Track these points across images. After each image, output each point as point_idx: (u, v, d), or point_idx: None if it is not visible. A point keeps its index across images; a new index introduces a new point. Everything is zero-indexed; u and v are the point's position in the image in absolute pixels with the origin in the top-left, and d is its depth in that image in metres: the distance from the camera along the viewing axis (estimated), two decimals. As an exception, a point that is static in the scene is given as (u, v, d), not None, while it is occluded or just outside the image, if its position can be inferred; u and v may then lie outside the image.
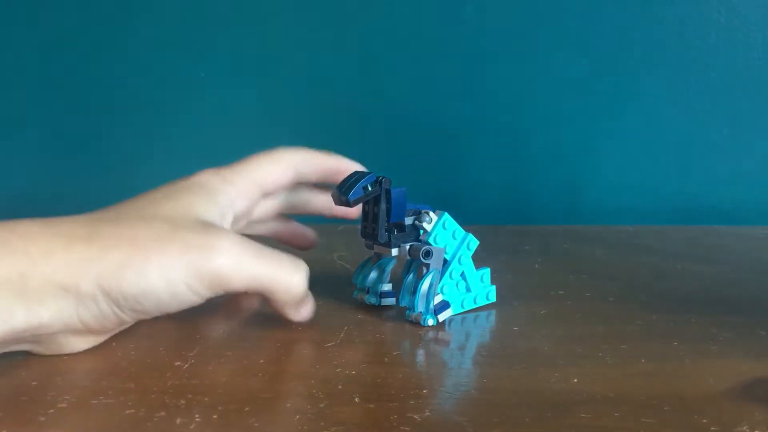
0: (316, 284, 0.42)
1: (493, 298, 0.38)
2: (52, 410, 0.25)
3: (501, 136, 0.66)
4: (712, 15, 0.62)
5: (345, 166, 0.38)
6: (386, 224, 0.35)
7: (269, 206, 0.39)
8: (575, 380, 0.28)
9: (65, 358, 0.31)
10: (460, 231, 0.36)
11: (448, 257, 0.36)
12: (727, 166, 0.65)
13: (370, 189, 0.34)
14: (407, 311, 0.35)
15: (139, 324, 0.35)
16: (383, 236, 0.35)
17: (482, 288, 0.37)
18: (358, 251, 0.47)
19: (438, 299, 0.35)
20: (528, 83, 0.65)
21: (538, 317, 0.36)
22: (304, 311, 0.33)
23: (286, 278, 0.31)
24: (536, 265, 0.46)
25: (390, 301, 0.37)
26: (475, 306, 0.37)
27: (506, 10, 0.63)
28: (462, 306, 0.36)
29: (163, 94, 0.66)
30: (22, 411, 0.25)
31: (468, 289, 0.37)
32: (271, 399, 0.26)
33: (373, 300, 0.37)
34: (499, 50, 0.64)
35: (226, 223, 0.33)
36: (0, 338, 0.26)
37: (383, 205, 0.35)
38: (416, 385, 0.27)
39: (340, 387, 0.27)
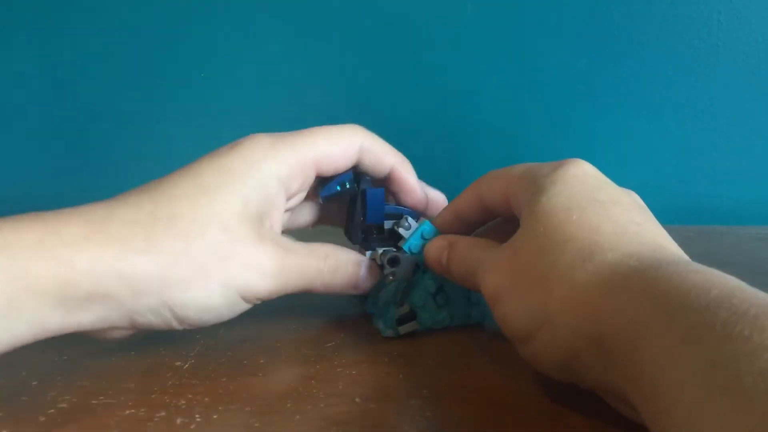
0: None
1: (478, 318, 0.34)
2: (52, 410, 0.25)
3: (500, 135, 0.66)
4: (712, 15, 0.62)
5: (408, 176, 0.34)
6: (362, 225, 0.34)
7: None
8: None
9: (65, 357, 0.31)
10: None
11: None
12: (727, 166, 0.65)
13: (347, 187, 0.33)
14: (369, 307, 0.34)
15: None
16: (357, 237, 0.34)
17: (466, 305, 0.34)
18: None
19: (404, 310, 0.32)
20: (528, 83, 0.65)
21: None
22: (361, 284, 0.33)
23: (338, 290, 0.32)
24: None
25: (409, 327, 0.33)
26: (450, 324, 0.34)
27: (506, 10, 0.63)
28: (435, 321, 0.33)
29: (163, 93, 0.66)
30: (22, 411, 0.25)
31: (446, 303, 0.33)
32: (271, 399, 0.26)
33: (389, 333, 0.33)
34: (498, 50, 0.64)
35: (278, 213, 0.31)
36: (30, 339, 0.25)
37: (359, 206, 0.33)
38: (416, 385, 0.27)
39: (340, 387, 0.27)
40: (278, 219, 0.31)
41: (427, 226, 0.33)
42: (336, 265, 0.31)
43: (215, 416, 0.25)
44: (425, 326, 0.33)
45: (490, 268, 0.27)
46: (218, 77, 0.66)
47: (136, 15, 0.65)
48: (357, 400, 0.26)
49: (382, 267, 0.33)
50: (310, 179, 0.32)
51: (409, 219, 0.34)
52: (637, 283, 0.21)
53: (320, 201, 0.33)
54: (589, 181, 0.27)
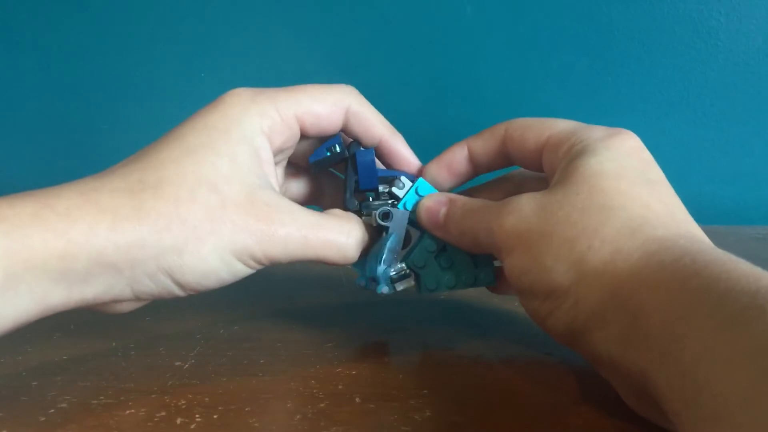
0: (315, 284, 0.42)
1: (485, 282, 0.32)
2: (52, 410, 0.25)
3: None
4: (712, 15, 0.62)
5: (398, 147, 0.33)
6: (356, 191, 0.32)
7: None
8: (576, 380, 0.28)
9: (65, 357, 0.31)
10: None
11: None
12: (727, 166, 0.65)
13: (337, 151, 0.32)
14: (358, 277, 0.32)
15: (139, 324, 0.35)
16: (351, 203, 0.33)
17: (471, 267, 0.32)
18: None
19: (400, 268, 0.31)
20: (528, 83, 0.65)
21: (538, 317, 0.36)
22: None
23: (338, 250, 0.29)
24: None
25: (405, 284, 0.32)
26: (456, 287, 0.32)
27: (506, 10, 0.63)
28: (439, 283, 0.32)
29: (163, 93, 0.66)
30: (22, 411, 0.25)
31: (451, 265, 0.32)
32: (271, 399, 0.26)
33: (385, 289, 0.31)
34: (498, 50, 0.64)
35: (269, 171, 0.30)
36: (36, 314, 0.24)
37: (350, 171, 0.32)
38: (416, 385, 0.27)
39: (340, 387, 0.27)
40: (270, 172, 0.30)
41: (422, 183, 0.32)
42: (326, 236, 0.29)
43: (215, 416, 0.25)
44: (429, 288, 0.32)
45: (511, 212, 0.26)
46: (219, 76, 0.66)
47: (136, 15, 0.65)
48: (357, 400, 0.26)
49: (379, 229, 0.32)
50: (295, 136, 0.31)
51: (403, 178, 0.32)
52: (688, 263, 0.21)
53: (311, 170, 0.32)
54: (643, 156, 0.27)
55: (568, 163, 0.26)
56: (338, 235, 0.29)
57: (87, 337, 0.33)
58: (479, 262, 0.32)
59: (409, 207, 0.32)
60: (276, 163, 0.32)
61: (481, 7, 0.64)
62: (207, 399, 0.26)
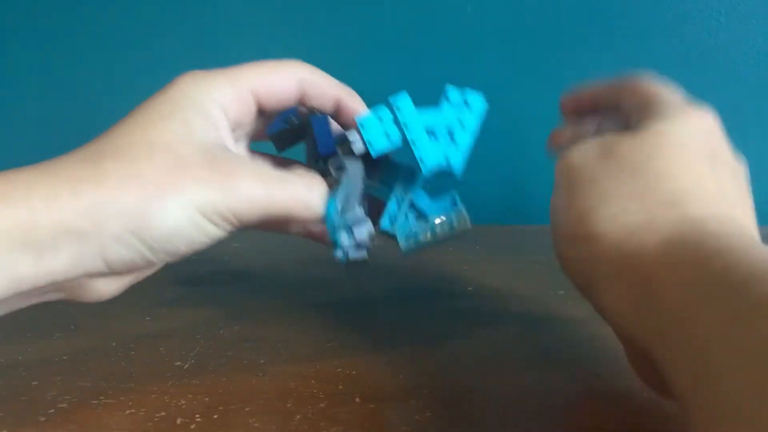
0: (315, 284, 0.42)
1: (463, 225, 0.31)
2: (52, 410, 0.25)
3: (501, 135, 0.66)
4: (712, 15, 0.62)
5: (355, 105, 0.32)
6: (316, 157, 0.32)
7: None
8: (576, 380, 0.28)
9: (65, 357, 0.31)
10: (396, 131, 0.30)
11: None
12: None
13: (294, 122, 0.31)
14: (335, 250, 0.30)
15: (139, 323, 0.35)
16: (313, 165, 0.32)
17: (447, 210, 0.31)
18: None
19: (356, 214, 0.30)
20: (527, 82, 0.65)
21: (538, 318, 0.36)
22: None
23: (303, 203, 0.29)
24: (536, 265, 0.46)
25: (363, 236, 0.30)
26: (436, 235, 0.31)
27: (506, 9, 0.63)
28: (417, 237, 0.31)
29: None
30: (22, 411, 0.25)
31: (420, 215, 0.31)
32: (271, 399, 0.26)
33: (339, 253, 0.30)
34: (498, 50, 0.64)
35: (226, 136, 0.30)
36: (7, 290, 0.24)
37: (309, 139, 0.32)
38: (416, 385, 0.27)
39: (340, 387, 0.27)
40: (227, 139, 0.30)
41: (382, 110, 0.30)
42: (291, 190, 0.29)
43: (215, 416, 0.25)
44: (408, 243, 0.31)
45: (577, 150, 0.26)
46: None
47: (137, 14, 0.65)
48: (357, 400, 0.26)
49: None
50: (251, 110, 0.31)
51: (348, 133, 0.31)
52: (713, 245, 0.21)
53: (276, 147, 0.32)
54: (716, 136, 0.27)
55: (644, 120, 0.26)
56: (302, 189, 0.29)
57: (87, 337, 0.33)
58: (447, 208, 0.32)
59: (376, 142, 0.30)
60: (236, 141, 0.32)
61: (481, 7, 0.64)
62: (207, 399, 0.26)
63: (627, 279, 0.22)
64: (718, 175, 0.25)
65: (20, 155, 0.69)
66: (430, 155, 0.30)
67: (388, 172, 0.33)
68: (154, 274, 0.29)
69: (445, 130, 0.31)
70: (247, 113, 0.31)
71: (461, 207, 0.32)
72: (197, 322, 0.35)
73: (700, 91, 0.67)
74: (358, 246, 0.30)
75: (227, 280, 0.42)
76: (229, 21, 0.65)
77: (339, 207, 0.30)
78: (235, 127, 0.31)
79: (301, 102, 0.32)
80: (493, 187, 0.66)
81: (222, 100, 0.30)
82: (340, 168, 0.31)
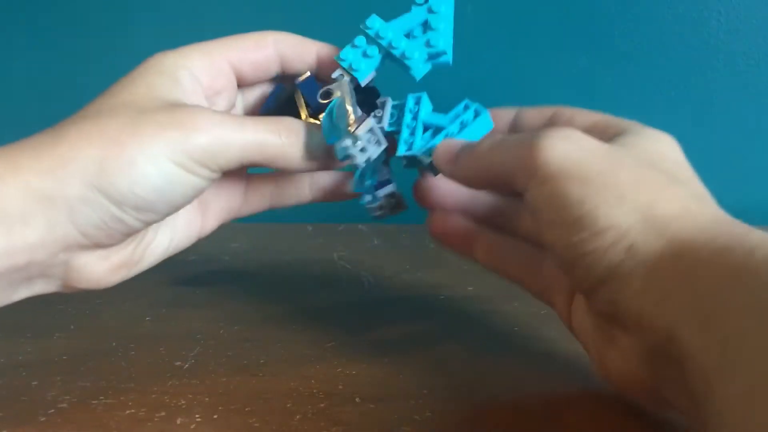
0: (315, 284, 0.42)
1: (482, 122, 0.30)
2: (52, 410, 0.25)
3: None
4: (712, 15, 0.62)
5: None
6: (309, 115, 0.31)
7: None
8: (577, 380, 0.28)
9: (65, 357, 0.31)
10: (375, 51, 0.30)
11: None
12: (727, 166, 0.65)
13: (283, 95, 0.31)
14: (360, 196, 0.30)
15: (139, 323, 0.35)
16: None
17: (449, 117, 0.31)
18: (359, 251, 0.47)
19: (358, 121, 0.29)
20: (528, 83, 0.65)
21: (539, 317, 0.36)
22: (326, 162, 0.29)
23: (276, 139, 0.28)
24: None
25: (387, 189, 0.31)
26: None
27: (506, 9, 0.63)
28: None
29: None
30: (22, 411, 0.25)
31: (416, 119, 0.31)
32: (271, 399, 0.26)
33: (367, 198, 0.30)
34: (498, 50, 0.64)
35: (198, 99, 0.29)
36: None
37: (303, 106, 0.31)
38: (416, 385, 0.27)
39: (340, 387, 0.27)
40: (200, 101, 0.29)
41: (356, 38, 0.30)
42: (263, 134, 0.28)
43: (215, 416, 0.25)
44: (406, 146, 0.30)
45: (566, 138, 0.24)
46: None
47: (138, 14, 0.65)
48: (357, 400, 0.26)
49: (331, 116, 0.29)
50: (230, 80, 0.30)
51: (335, 75, 0.30)
52: (756, 235, 0.21)
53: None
54: (682, 157, 0.27)
55: (624, 140, 0.26)
56: (272, 135, 0.28)
57: (87, 337, 0.33)
58: (460, 112, 0.31)
59: (359, 65, 0.30)
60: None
61: (481, 7, 0.64)
62: (207, 399, 0.26)
63: (666, 267, 0.22)
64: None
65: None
66: (413, 51, 0.30)
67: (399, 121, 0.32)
68: (154, 274, 0.29)
69: (419, 27, 0.31)
70: (224, 82, 0.30)
71: (474, 105, 0.31)
72: (197, 322, 0.35)
73: (700, 91, 0.67)
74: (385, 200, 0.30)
75: (227, 280, 0.42)
76: (232, 18, 0.65)
77: (360, 173, 0.29)
78: (211, 95, 0.30)
79: (283, 68, 0.31)
80: (493, 187, 0.66)
81: (192, 66, 0.29)
82: (328, 94, 0.29)
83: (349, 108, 0.29)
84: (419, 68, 0.30)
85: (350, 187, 0.31)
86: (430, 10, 0.31)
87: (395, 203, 0.31)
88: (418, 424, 0.24)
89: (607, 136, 0.27)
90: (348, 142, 0.28)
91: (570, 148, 0.24)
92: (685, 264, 0.21)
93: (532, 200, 0.24)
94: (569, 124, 0.29)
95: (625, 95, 0.65)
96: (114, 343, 0.32)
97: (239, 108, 0.33)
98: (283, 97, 0.31)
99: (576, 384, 0.27)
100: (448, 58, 0.31)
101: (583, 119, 0.29)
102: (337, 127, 0.28)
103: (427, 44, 0.30)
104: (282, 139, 0.28)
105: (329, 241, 0.52)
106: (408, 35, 0.31)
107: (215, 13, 0.65)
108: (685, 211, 0.23)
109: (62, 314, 0.36)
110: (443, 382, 0.28)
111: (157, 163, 0.25)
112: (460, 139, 0.29)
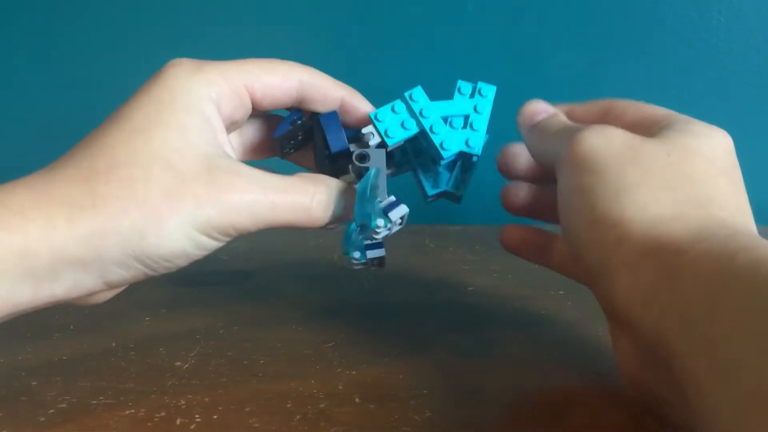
0: (315, 284, 0.42)
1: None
2: (52, 410, 0.25)
3: (500, 135, 0.66)
4: (712, 15, 0.62)
5: (360, 105, 0.32)
6: (329, 156, 0.31)
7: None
8: (577, 380, 0.28)
9: (65, 357, 0.31)
10: (412, 122, 0.31)
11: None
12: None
13: (300, 123, 0.31)
14: (344, 247, 0.30)
15: (139, 323, 0.35)
16: (325, 168, 0.31)
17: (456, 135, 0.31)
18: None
19: (388, 200, 0.29)
20: (528, 82, 0.65)
21: (539, 318, 0.36)
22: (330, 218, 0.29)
23: (303, 211, 0.28)
24: (536, 265, 0.46)
25: (377, 253, 0.30)
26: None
27: (506, 9, 0.63)
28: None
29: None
30: (22, 411, 0.25)
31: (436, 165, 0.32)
32: (271, 399, 0.26)
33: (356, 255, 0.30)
34: (498, 49, 0.64)
35: (223, 139, 0.29)
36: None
37: (318, 138, 0.31)
38: (416, 385, 0.27)
39: (340, 387, 0.27)
40: (224, 141, 0.29)
41: (395, 103, 0.31)
42: (293, 199, 0.28)
43: (215, 416, 0.25)
44: (430, 185, 0.33)
45: (601, 133, 0.26)
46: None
47: (139, 14, 0.65)
48: (357, 400, 0.26)
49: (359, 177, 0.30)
50: (245, 107, 0.30)
51: (366, 129, 0.31)
52: (740, 241, 0.21)
53: (282, 150, 0.32)
54: (733, 158, 0.28)
55: (665, 134, 0.27)
56: (304, 197, 0.28)
57: (87, 337, 0.33)
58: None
59: (394, 133, 0.30)
60: (229, 136, 0.31)
61: (481, 6, 0.64)
62: (207, 399, 0.26)
63: (650, 265, 0.22)
64: (736, 191, 0.26)
65: (20, 155, 0.69)
66: (450, 140, 0.31)
67: (405, 160, 0.33)
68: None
69: (461, 119, 0.32)
70: (240, 111, 0.30)
71: (470, 84, 0.33)
72: (197, 322, 0.35)
73: (700, 91, 0.67)
74: (388, 232, 0.30)
75: (227, 280, 0.42)
76: (230, 14, 0.65)
77: (358, 225, 0.29)
78: (228, 125, 0.30)
79: (302, 106, 0.31)
80: (494, 187, 0.66)
81: (215, 96, 0.29)
82: (363, 157, 0.30)
83: (383, 186, 0.30)
84: (450, 155, 0.31)
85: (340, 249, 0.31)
86: (476, 110, 0.32)
87: (378, 263, 0.31)
88: (418, 424, 0.24)
89: (654, 130, 0.27)
90: (381, 222, 0.29)
91: (598, 143, 0.25)
92: (667, 266, 0.22)
93: (558, 187, 0.26)
94: (622, 116, 0.31)
95: (625, 95, 0.65)
96: (114, 343, 0.32)
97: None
98: (298, 125, 0.31)
99: (577, 385, 0.27)
100: (477, 157, 0.32)
101: (634, 112, 0.30)
102: (371, 202, 0.29)
103: (466, 143, 0.31)
104: (314, 201, 0.29)
105: (329, 241, 0.52)
106: (446, 120, 0.31)
107: (217, 14, 0.65)
108: (678, 213, 0.23)
109: (62, 314, 0.36)
110: (443, 382, 0.28)
111: (192, 236, 0.26)
112: (546, 106, 0.32)
